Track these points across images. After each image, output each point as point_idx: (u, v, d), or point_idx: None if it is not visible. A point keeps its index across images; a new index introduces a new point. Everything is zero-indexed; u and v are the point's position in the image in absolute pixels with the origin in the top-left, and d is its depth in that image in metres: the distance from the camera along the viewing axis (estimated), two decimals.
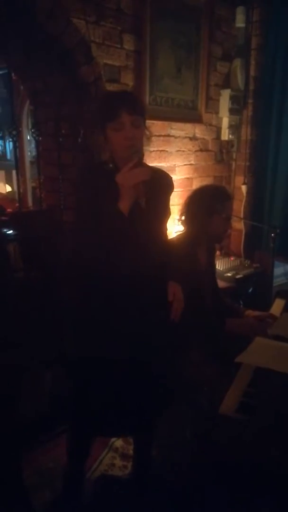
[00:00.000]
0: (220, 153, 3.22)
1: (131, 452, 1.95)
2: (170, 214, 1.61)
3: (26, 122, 4.48)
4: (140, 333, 1.49)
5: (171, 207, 1.61)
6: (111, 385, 1.49)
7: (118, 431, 1.74)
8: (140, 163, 1.37)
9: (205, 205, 1.81)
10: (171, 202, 1.60)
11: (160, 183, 1.53)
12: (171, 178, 1.62)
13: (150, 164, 1.61)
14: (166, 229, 1.63)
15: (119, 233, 1.37)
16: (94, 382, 1.53)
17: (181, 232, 1.93)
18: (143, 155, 1.48)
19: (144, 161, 1.47)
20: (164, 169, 1.65)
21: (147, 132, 1.51)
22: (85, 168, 1.61)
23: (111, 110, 1.37)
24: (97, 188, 1.42)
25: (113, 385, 1.49)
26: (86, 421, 1.59)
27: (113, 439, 2.11)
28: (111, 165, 1.45)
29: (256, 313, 1.95)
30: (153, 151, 2.71)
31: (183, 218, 1.90)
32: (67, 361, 1.57)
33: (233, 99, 3.02)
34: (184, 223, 1.90)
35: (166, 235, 1.64)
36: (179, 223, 1.96)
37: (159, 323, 1.55)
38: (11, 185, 4.39)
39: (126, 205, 1.35)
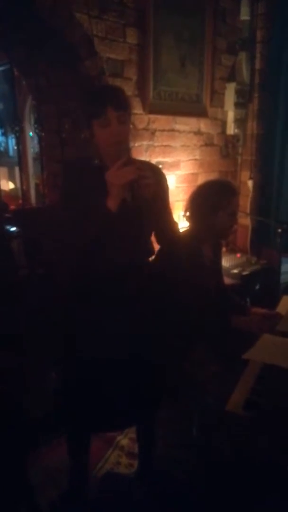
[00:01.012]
0: (226, 148, 3.19)
1: (137, 450, 1.95)
2: (168, 207, 1.59)
3: (29, 118, 4.47)
4: (131, 328, 1.49)
5: (176, 203, 1.59)
6: (103, 379, 1.49)
7: (110, 426, 1.74)
8: (130, 161, 1.35)
9: (210, 200, 1.79)
10: (176, 198, 1.58)
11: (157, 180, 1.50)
12: (160, 169, 1.60)
13: (154, 160, 1.59)
14: (172, 221, 1.61)
15: (105, 231, 1.36)
16: (86, 377, 1.52)
17: (186, 228, 1.90)
18: (130, 150, 1.47)
19: (133, 156, 1.45)
20: (168, 164, 1.63)
21: (131, 127, 1.49)
22: (71, 162, 1.60)
23: (96, 107, 1.36)
24: (83, 183, 1.41)
25: (105, 379, 1.49)
26: (79, 417, 1.59)
27: (118, 438, 2.11)
28: (96, 161, 1.43)
29: (263, 311, 1.93)
30: (157, 146, 2.68)
31: (187, 214, 1.88)
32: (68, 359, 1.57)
33: (238, 92, 2.99)
34: (189, 219, 1.87)
35: (171, 227, 1.61)
36: (184, 219, 1.93)
37: (153, 318, 1.54)
38: (14, 182, 4.39)
39: (114, 203, 1.33)
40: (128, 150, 1.42)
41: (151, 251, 1.58)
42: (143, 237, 1.52)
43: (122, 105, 1.37)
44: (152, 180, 1.34)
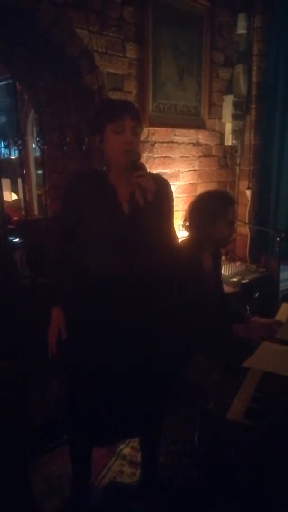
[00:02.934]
0: (224, 158, 3.24)
1: (139, 459, 1.94)
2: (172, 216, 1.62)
3: (31, 131, 4.53)
4: (135, 334, 1.49)
5: (176, 213, 1.62)
6: (104, 392, 1.50)
7: (114, 438, 1.75)
8: (142, 166, 1.39)
9: (208, 210, 1.82)
10: (175, 208, 1.61)
11: (161, 189, 1.53)
12: (166, 181, 1.63)
13: (153, 171, 1.62)
14: (173, 231, 1.62)
15: (116, 233, 1.42)
16: (87, 388, 1.52)
17: (185, 238, 1.93)
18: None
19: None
20: (168, 175, 1.67)
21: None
22: (73, 180, 1.65)
23: (114, 112, 1.40)
24: (84, 198, 1.45)
25: (107, 392, 1.49)
26: (81, 430, 1.60)
27: (120, 447, 2.11)
28: (104, 168, 1.47)
29: (262, 320, 1.95)
30: (157, 157, 2.73)
31: (187, 223, 1.91)
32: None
33: (236, 104, 3.04)
34: (188, 228, 1.90)
35: (172, 238, 1.62)
36: (183, 228, 1.96)
37: (156, 324, 1.55)
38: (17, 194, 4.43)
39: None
40: (138, 157, 1.44)
41: (151, 260, 1.59)
42: (142, 246, 1.51)
43: (137, 117, 1.42)
44: (150, 186, 1.36)
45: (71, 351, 1.54)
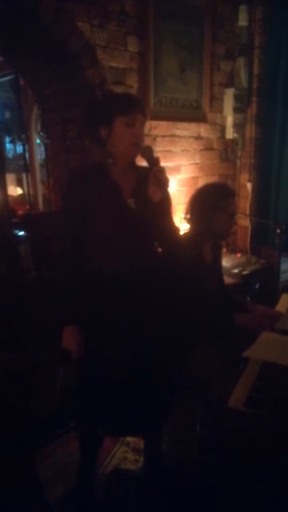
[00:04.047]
0: (225, 152, 3.25)
1: (143, 446, 1.98)
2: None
3: (35, 126, 4.54)
4: (142, 331, 1.52)
5: (178, 206, 1.64)
6: (113, 384, 1.51)
7: (125, 431, 1.75)
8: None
9: (209, 202, 1.84)
10: (177, 201, 1.64)
11: None
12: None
13: None
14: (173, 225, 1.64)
15: (126, 226, 1.44)
16: (97, 381, 1.54)
17: (186, 230, 1.96)
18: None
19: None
20: (170, 169, 1.69)
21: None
22: (75, 177, 1.66)
23: (125, 105, 1.42)
24: (88, 195, 1.46)
25: (116, 384, 1.51)
26: (92, 422, 1.61)
27: None
28: (110, 161, 1.48)
29: (265, 308, 1.97)
30: (159, 151, 2.74)
31: (188, 216, 1.94)
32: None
33: (237, 97, 3.05)
34: (189, 220, 1.93)
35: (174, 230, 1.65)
36: (184, 221, 1.99)
37: (161, 321, 1.58)
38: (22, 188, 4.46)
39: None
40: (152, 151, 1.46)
41: (155, 254, 1.62)
42: (147, 241, 1.55)
43: (145, 111, 1.47)
44: (168, 180, 1.40)
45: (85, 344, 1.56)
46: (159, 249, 1.64)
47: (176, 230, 1.68)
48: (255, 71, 3.12)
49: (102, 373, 1.53)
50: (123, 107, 1.42)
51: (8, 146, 4.40)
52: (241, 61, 3.03)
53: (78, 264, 1.50)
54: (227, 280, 2.39)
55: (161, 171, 1.40)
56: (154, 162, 1.40)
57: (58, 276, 1.57)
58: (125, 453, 2.06)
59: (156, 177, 1.39)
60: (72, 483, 1.81)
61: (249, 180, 3.27)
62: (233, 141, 3.24)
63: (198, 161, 3.04)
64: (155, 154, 1.44)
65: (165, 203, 1.46)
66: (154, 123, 2.67)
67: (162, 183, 1.40)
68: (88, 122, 1.54)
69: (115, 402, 1.53)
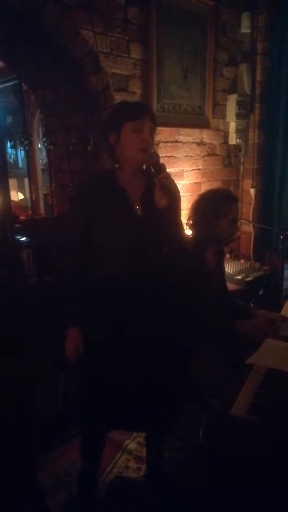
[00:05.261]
0: (228, 157, 3.25)
1: (145, 454, 1.97)
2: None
3: (37, 131, 4.57)
4: (147, 336, 1.51)
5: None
6: (119, 379, 1.50)
7: (131, 425, 1.72)
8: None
9: (211, 208, 1.84)
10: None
11: None
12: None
13: None
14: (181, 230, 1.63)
15: (132, 232, 1.43)
16: (102, 374, 1.54)
17: (189, 236, 1.96)
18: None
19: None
20: (173, 175, 1.67)
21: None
22: (82, 183, 1.66)
23: (134, 111, 1.43)
24: (96, 202, 1.46)
25: (122, 378, 1.50)
26: (97, 416, 1.60)
27: (126, 442, 2.14)
28: (116, 166, 1.48)
29: (269, 313, 1.96)
30: (162, 157, 2.73)
31: (190, 222, 1.93)
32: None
33: (239, 103, 3.06)
34: (192, 226, 1.93)
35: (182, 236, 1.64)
36: (187, 227, 1.98)
37: (162, 322, 1.56)
38: (24, 193, 4.48)
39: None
40: (159, 158, 1.47)
41: (161, 261, 1.59)
42: (153, 247, 1.53)
43: (155, 119, 1.47)
44: (175, 187, 1.41)
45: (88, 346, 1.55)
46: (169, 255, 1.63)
47: (185, 237, 1.67)
48: (258, 77, 3.13)
49: (107, 369, 1.52)
50: (131, 113, 1.43)
51: (10, 150, 4.42)
52: (244, 68, 3.05)
53: (86, 267, 1.51)
54: (230, 286, 2.38)
55: (167, 177, 1.40)
56: (160, 168, 1.40)
57: (65, 278, 1.59)
58: (127, 461, 2.04)
59: (161, 183, 1.39)
60: (73, 491, 1.80)
61: (252, 186, 3.27)
62: (236, 147, 3.24)
63: (201, 167, 3.05)
64: (159, 160, 1.44)
65: (171, 210, 1.44)
66: (157, 129, 2.66)
67: (168, 189, 1.39)
68: (100, 129, 1.55)
69: (121, 394, 1.52)
